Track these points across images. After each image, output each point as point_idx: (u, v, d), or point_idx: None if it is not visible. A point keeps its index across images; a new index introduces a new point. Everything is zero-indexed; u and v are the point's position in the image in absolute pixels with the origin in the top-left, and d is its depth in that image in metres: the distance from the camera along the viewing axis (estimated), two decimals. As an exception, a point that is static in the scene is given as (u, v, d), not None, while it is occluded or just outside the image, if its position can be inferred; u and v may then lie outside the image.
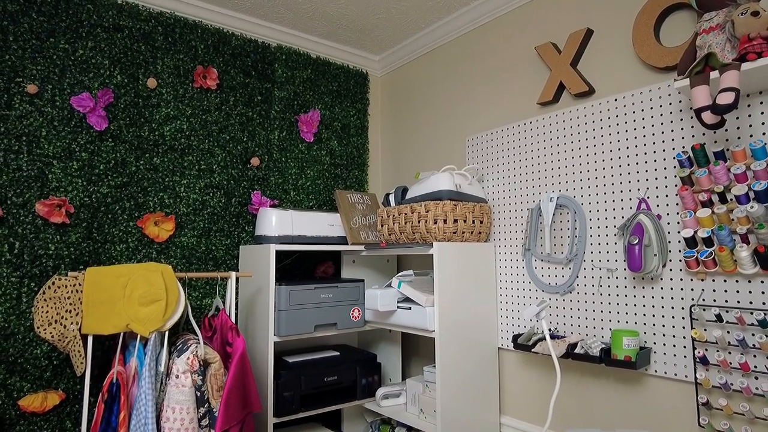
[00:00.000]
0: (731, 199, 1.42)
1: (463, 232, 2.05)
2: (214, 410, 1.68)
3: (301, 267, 2.56)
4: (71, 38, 1.98)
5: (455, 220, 2.02)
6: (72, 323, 1.63)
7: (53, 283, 1.64)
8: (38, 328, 1.60)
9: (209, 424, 1.67)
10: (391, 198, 2.34)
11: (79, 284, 1.67)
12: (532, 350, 1.84)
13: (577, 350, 1.72)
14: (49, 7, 1.94)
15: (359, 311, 2.26)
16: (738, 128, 1.45)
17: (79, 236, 1.95)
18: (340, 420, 2.52)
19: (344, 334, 2.65)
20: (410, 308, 2.01)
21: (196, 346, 1.66)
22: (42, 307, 1.61)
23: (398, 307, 2.08)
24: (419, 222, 2.05)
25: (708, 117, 1.33)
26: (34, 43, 1.90)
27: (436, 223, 2.00)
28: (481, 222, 2.11)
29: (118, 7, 2.10)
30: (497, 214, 2.18)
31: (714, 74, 1.31)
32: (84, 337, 1.66)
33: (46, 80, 1.92)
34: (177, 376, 1.62)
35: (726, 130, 1.48)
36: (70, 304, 1.64)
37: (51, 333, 1.60)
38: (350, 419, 2.52)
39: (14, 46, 1.86)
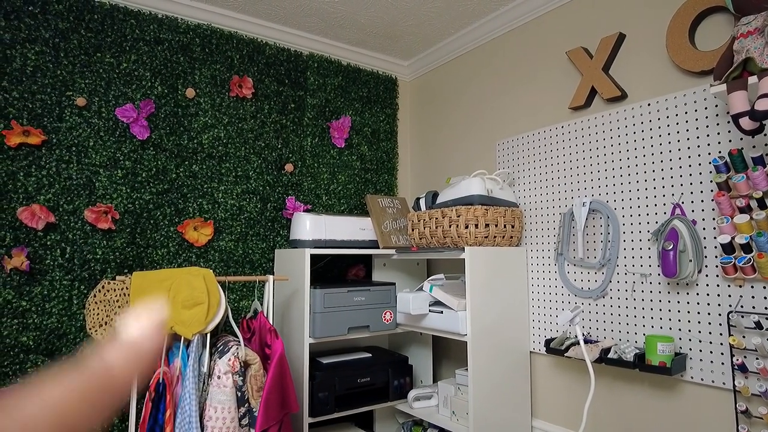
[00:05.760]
0: (770, 205, 1.40)
1: (495, 237, 2.06)
2: (254, 410, 1.74)
3: (332, 270, 2.62)
4: (116, 52, 2.08)
5: (486, 225, 2.03)
6: (121, 325, 1.71)
7: (103, 287, 1.73)
8: (90, 329, 1.69)
9: (249, 423, 1.73)
10: (422, 202, 2.36)
11: (127, 288, 1.76)
12: (565, 354, 1.84)
13: (611, 355, 1.72)
14: (96, 23, 2.04)
15: (391, 314, 2.30)
16: (777, 133, 1.43)
17: (124, 241, 2.04)
18: (372, 421, 2.57)
19: (376, 336, 2.70)
20: (442, 312, 2.04)
21: (237, 348, 1.73)
22: (93, 309, 1.70)
23: (430, 311, 2.11)
24: (450, 226, 2.07)
25: (746, 123, 1.32)
26: (82, 58, 2.00)
27: (467, 227, 2.02)
28: (513, 226, 2.12)
29: (158, 21, 2.19)
30: (529, 218, 2.19)
31: (752, 79, 1.30)
32: (131, 338, 1.74)
33: (93, 93, 2.02)
34: (219, 377, 1.68)
35: (765, 134, 1.46)
36: (119, 306, 1.72)
37: (102, 334, 1.69)
38: (382, 420, 2.56)
39: (65, 61, 1.96)
